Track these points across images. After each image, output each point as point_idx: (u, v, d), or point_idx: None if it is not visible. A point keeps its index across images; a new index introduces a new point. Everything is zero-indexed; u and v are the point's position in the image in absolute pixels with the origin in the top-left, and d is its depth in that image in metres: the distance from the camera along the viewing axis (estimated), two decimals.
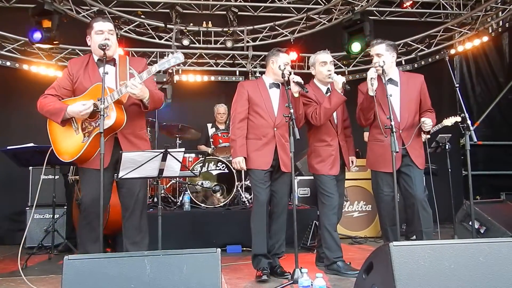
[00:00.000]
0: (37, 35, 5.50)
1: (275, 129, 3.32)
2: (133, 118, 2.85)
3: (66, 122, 2.78)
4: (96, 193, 2.61)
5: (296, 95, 3.26)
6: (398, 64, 6.62)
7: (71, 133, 2.81)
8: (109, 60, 2.87)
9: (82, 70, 2.87)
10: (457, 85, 3.52)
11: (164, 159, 2.59)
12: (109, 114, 2.68)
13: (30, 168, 5.07)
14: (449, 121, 4.83)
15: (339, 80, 3.25)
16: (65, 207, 4.90)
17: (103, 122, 2.57)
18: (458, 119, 4.84)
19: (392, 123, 2.95)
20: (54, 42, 5.64)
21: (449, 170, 4.55)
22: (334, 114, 3.42)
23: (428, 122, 3.20)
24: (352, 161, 3.58)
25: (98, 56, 2.85)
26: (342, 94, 3.28)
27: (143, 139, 2.95)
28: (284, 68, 3.26)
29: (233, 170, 5.00)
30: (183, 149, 2.73)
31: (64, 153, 2.80)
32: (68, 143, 2.80)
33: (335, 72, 3.45)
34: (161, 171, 2.66)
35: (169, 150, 2.57)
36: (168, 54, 6.43)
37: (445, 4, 6.70)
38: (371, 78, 3.12)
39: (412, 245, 2.05)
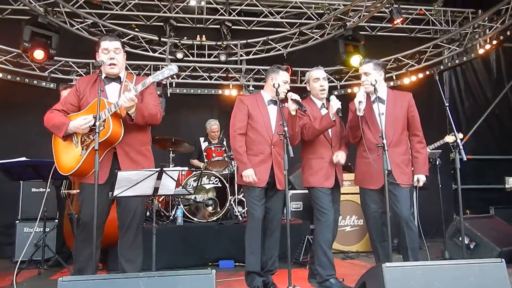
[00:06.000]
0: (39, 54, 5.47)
1: (272, 146, 3.34)
2: (133, 133, 2.86)
3: (68, 137, 2.85)
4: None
5: (293, 113, 3.29)
6: (389, 79, 6.78)
7: (72, 147, 2.87)
8: (114, 78, 2.95)
9: (89, 87, 2.94)
10: (447, 104, 3.58)
11: (159, 177, 2.60)
12: (106, 127, 2.71)
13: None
14: (450, 138, 4.90)
15: (335, 106, 3.25)
16: (56, 220, 4.85)
17: (98, 139, 2.59)
18: (460, 136, 4.95)
19: (384, 141, 2.97)
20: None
21: (439, 185, 4.62)
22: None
23: (422, 180, 3.31)
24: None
25: (104, 73, 2.90)
26: (335, 118, 3.29)
27: (144, 155, 2.94)
28: (278, 86, 3.29)
29: (226, 184, 5.02)
30: (178, 168, 2.75)
31: (64, 167, 2.87)
32: (68, 157, 2.86)
33: (333, 94, 3.48)
34: (156, 189, 2.66)
35: (164, 169, 2.58)
36: (162, 67, 6.48)
37: (434, 20, 6.87)
38: (359, 102, 3.18)
39: (403, 266, 2.10)
